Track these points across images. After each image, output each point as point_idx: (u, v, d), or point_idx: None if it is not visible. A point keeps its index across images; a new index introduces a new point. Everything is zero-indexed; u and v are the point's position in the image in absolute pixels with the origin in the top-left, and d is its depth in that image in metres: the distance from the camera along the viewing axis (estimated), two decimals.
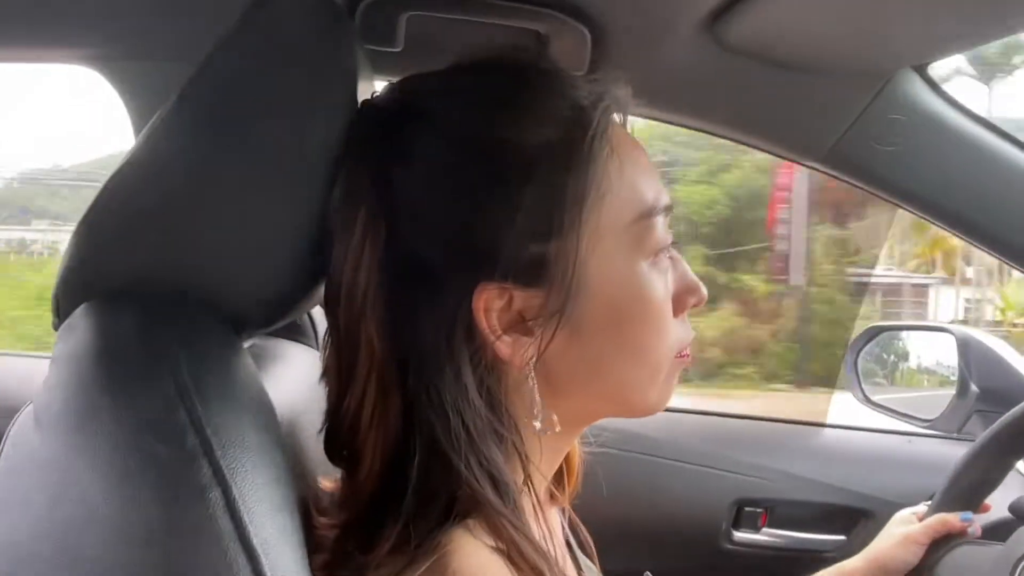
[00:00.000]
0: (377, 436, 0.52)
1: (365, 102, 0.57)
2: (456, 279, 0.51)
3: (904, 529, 0.94)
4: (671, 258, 0.58)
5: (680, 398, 0.90)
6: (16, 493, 0.46)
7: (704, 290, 0.59)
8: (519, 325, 0.53)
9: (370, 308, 0.51)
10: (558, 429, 0.54)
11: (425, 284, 0.52)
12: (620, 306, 0.54)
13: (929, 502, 0.97)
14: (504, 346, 0.52)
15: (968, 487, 0.96)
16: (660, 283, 0.56)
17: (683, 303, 0.58)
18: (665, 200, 0.56)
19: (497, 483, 0.50)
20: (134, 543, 0.40)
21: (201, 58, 0.56)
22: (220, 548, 0.40)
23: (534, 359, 0.52)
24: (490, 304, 0.52)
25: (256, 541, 0.41)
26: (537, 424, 0.53)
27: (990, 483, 0.96)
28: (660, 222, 0.56)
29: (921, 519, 0.94)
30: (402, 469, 0.50)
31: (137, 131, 0.95)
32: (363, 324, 0.52)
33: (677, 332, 0.58)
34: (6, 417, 0.52)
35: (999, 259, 1.06)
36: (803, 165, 1.06)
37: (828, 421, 1.46)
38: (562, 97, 0.54)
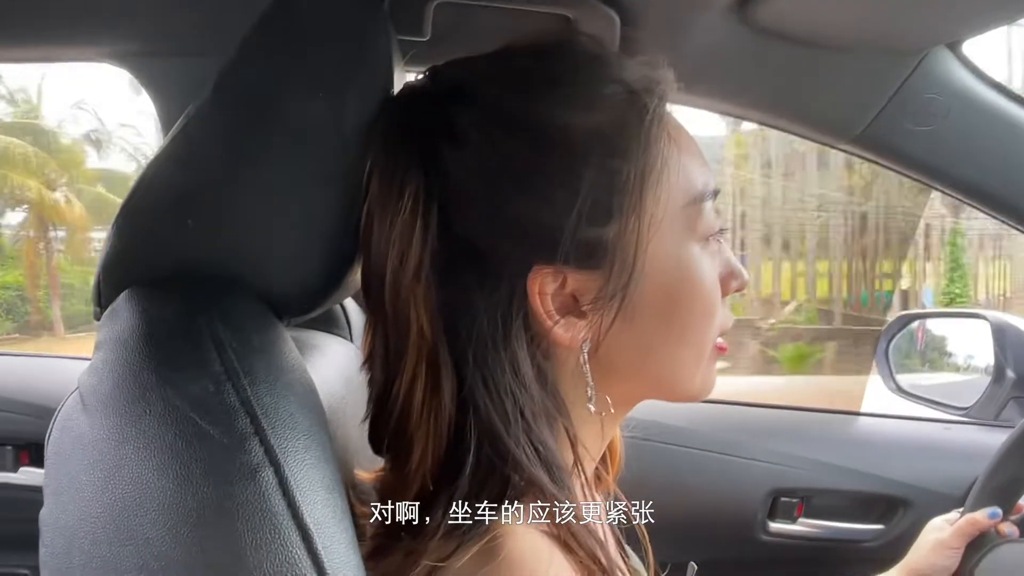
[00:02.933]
0: (429, 422, 0.50)
1: (409, 83, 0.57)
2: (511, 262, 0.51)
3: (937, 535, 0.93)
4: (717, 242, 0.58)
5: None
6: (66, 476, 0.46)
7: (746, 275, 0.59)
8: (572, 307, 0.52)
9: (421, 291, 0.51)
10: (612, 411, 0.54)
11: (478, 267, 0.51)
12: (673, 289, 0.54)
13: (961, 509, 0.96)
14: (560, 329, 0.51)
15: (1000, 487, 0.95)
16: (710, 267, 0.56)
17: (727, 287, 0.58)
18: (713, 185, 0.56)
19: (551, 467, 0.50)
20: (187, 522, 0.40)
21: (227, 53, 0.56)
22: (273, 527, 0.40)
23: (587, 342, 0.52)
24: (544, 287, 0.51)
25: (309, 520, 0.41)
26: (591, 407, 0.53)
27: (1022, 481, 0.95)
28: (710, 206, 0.56)
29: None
30: (455, 454, 0.50)
31: (165, 126, 0.95)
32: (412, 307, 0.51)
33: (722, 315, 0.58)
34: (44, 417, 0.52)
35: None
36: (836, 148, 1.05)
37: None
38: (615, 81, 0.53)
